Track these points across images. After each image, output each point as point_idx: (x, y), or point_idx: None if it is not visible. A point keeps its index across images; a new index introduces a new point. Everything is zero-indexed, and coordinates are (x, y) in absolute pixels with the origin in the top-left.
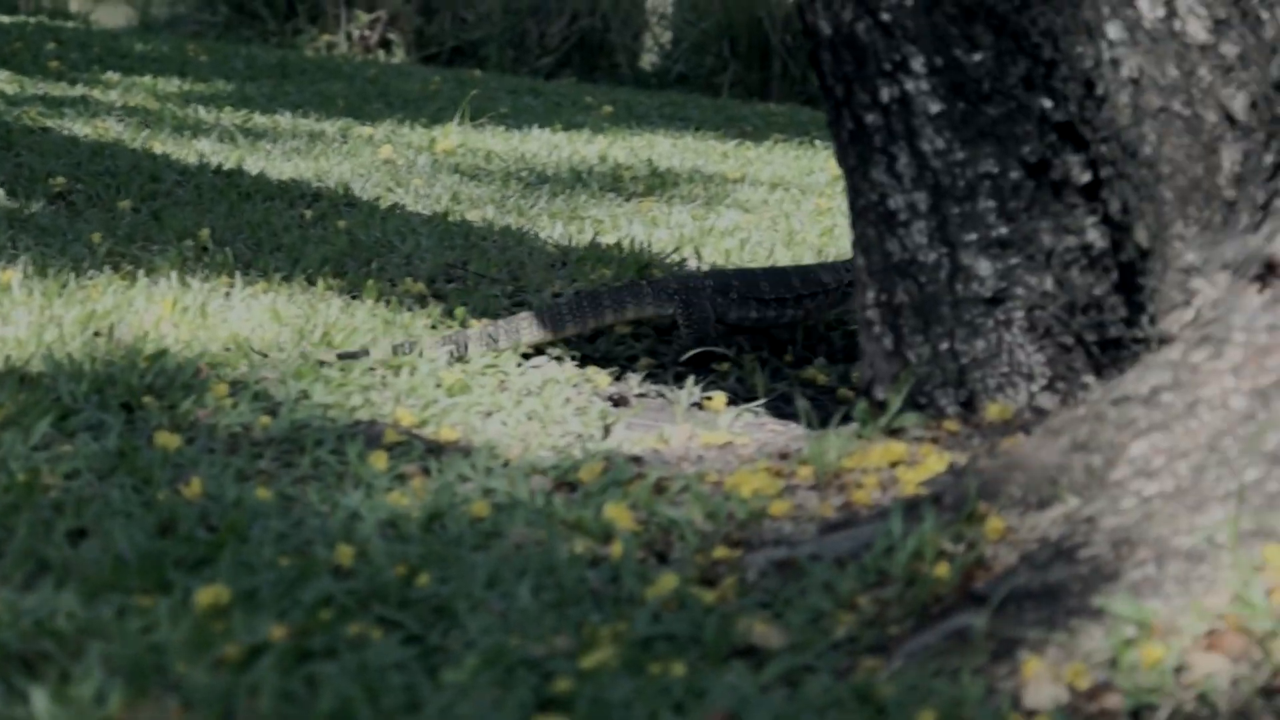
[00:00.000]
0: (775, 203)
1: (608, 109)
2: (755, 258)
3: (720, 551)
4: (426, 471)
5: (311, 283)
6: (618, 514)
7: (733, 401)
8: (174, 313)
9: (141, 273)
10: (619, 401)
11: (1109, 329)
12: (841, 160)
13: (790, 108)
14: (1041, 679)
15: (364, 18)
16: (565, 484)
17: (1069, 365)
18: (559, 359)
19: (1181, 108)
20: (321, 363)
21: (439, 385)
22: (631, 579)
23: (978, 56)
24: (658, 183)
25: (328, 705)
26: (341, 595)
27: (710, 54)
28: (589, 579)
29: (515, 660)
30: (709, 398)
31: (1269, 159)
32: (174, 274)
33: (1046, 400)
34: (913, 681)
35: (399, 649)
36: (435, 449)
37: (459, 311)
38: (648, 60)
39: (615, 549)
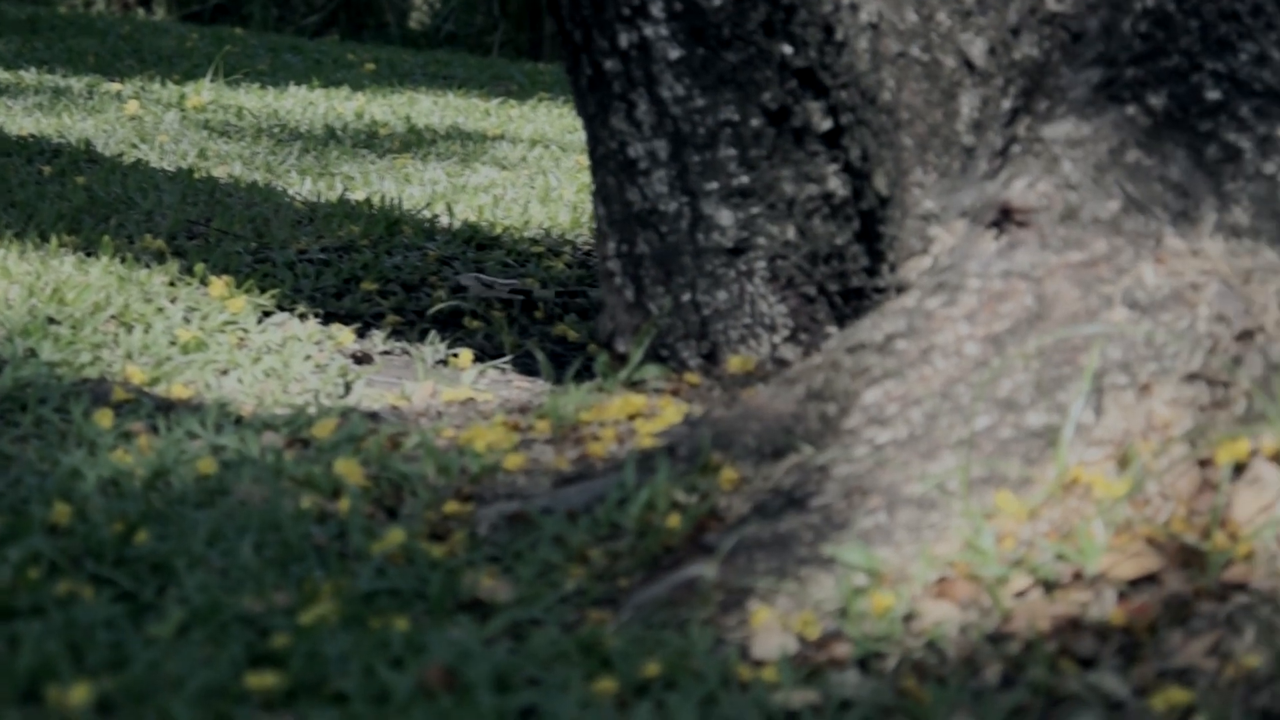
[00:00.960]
0: (534, 160)
1: (370, 67)
2: (509, 214)
3: (451, 506)
4: (154, 429)
5: (45, 239)
6: (348, 469)
7: (480, 358)
8: None
9: None
10: (362, 359)
11: (851, 278)
12: (581, 108)
13: (559, 66)
14: (770, 629)
15: None
16: (298, 440)
17: (811, 316)
18: (302, 316)
19: (920, 53)
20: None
21: (173, 343)
22: (358, 534)
23: (717, 1)
24: (415, 140)
25: (28, 662)
26: (54, 553)
27: (480, 13)
28: (314, 535)
29: (230, 616)
30: (455, 354)
31: (1006, 105)
32: None
33: (789, 351)
34: (639, 633)
35: (109, 606)
36: (165, 407)
37: (198, 268)
38: (416, 19)
39: (343, 504)
